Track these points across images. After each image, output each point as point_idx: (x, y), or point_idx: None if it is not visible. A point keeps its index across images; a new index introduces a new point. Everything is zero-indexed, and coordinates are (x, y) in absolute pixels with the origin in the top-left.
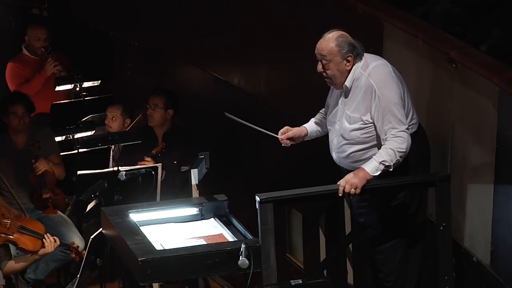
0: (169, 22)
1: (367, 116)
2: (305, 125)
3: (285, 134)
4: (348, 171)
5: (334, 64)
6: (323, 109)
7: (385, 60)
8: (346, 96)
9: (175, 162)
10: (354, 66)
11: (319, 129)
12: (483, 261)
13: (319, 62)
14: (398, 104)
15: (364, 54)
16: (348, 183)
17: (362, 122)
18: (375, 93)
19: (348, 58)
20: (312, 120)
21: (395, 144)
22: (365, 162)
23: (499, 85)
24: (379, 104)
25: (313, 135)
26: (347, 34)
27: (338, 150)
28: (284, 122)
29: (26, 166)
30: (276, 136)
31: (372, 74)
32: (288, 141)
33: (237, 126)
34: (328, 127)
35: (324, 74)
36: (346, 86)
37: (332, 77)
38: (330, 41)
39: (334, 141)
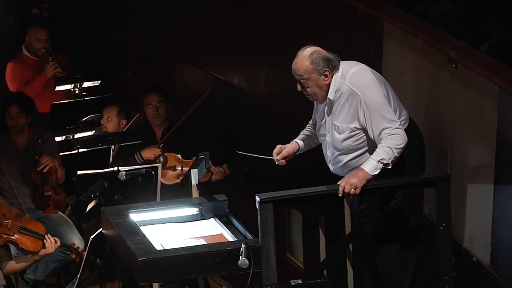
0: (169, 22)
1: (355, 123)
2: (296, 139)
3: (280, 154)
4: None
5: (312, 82)
6: (310, 121)
7: (362, 65)
8: (331, 108)
9: None
10: (333, 78)
11: (310, 142)
12: (483, 261)
13: (298, 82)
14: (384, 104)
15: (340, 63)
16: (348, 183)
17: (350, 130)
18: (360, 99)
19: (325, 73)
20: (302, 133)
21: (392, 141)
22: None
23: (499, 85)
24: (367, 108)
25: (305, 149)
26: (320, 49)
27: (333, 161)
28: (284, 122)
29: (28, 166)
30: (272, 158)
31: (352, 81)
32: (283, 161)
33: (237, 126)
34: (320, 140)
35: (304, 92)
36: (330, 99)
37: (312, 94)
38: (304, 59)
39: (328, 153)
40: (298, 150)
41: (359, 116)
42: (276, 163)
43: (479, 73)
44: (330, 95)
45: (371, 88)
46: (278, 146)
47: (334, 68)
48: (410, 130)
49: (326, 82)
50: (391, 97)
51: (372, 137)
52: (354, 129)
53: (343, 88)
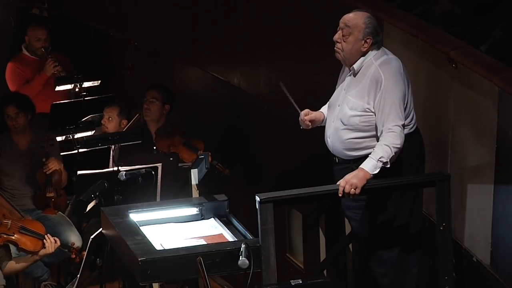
0: (168, 22)
1: (371, 105)
2: (320, 110)
3: (308, 116)
4: (340, 160)
5: (353, 38)
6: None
7: (398, 59)
8: (350, 81)
9: (171, 159)
10: (368, 52)
11: None
12: (483, 261)
13: (340, 31)
14: (399, 99)
15: (382, 47)
16: (348, 183)
17: (363, 110)
18: (382, 85)
19: (367, 40)
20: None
21: (390, 139)
22: (359, 151)
23: (499, 85)
24: (382, 95)
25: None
26: (376, 20)
27: (334, 136)
28: (284, 122)
29: (30, 166)
30: (300, 113)
31: (383, 65)
32: (309, 123)
33: (237, 126)
34: (327, 111)
35: (339, 45)
36: (354, 68)
37: (344, 51)
38: (360, 16)
39: (332, 125)
40: (323, 120)
41: (375, 99)
42: (301, 125)
43: (479, 73)
44: (356, 66)
45: (396, 80)
46: (306, 110)
47: (376, 43)
48: (413, 136)
49: (362, 49)
50: (409, 100)
51: (377, 123)
52: (367, 109)
53: (371, 68)
